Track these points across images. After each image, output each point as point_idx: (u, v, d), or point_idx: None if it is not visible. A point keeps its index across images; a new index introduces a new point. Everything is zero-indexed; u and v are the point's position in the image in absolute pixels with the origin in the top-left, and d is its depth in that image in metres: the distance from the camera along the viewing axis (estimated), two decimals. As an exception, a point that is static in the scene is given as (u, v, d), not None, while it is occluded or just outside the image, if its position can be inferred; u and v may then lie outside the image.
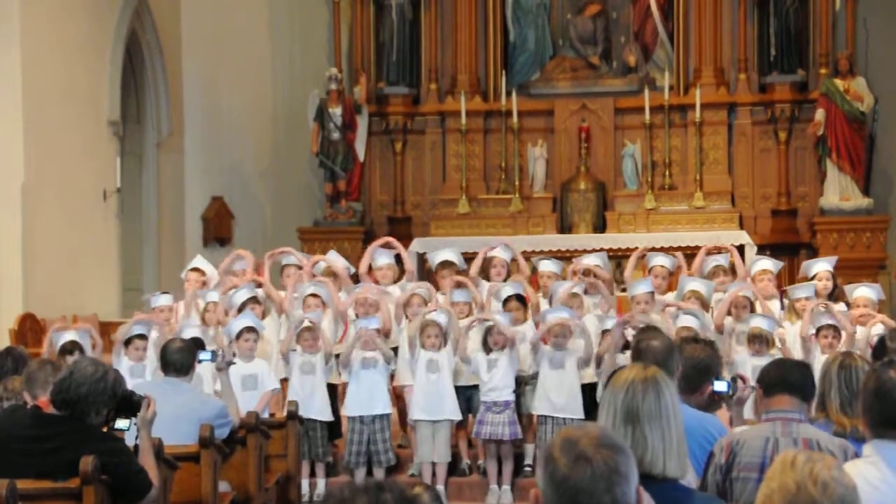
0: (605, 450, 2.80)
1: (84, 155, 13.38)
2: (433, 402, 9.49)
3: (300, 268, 10.66)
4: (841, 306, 9.66)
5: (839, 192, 14.84)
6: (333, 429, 9.90)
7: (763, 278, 10.32)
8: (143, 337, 9.17)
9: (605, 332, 9.26)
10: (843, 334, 8.99)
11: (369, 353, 9.46)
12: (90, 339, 8.97)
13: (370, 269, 10.81)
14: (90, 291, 13.31)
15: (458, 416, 9.60)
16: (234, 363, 8.63)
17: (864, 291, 9.86)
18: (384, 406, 9.56)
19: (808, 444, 4.66)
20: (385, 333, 9.68)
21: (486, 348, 9.44)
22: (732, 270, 10.76)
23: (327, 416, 9.61)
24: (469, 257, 11.01)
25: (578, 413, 9.23)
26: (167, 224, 15.39)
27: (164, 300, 10.02)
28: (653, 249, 11.57)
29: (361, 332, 9.42)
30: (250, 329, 9.13)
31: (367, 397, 9.48)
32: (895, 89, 15.11)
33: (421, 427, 9.55)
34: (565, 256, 12.83)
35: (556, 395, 9.32)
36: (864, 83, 14.72)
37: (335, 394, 9.95)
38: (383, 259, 10.68)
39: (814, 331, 9.06)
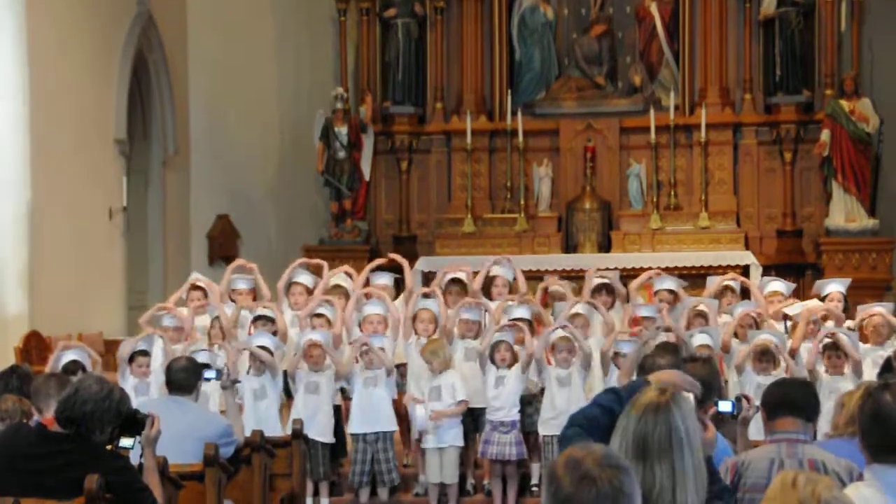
0: (610, 470, 2.80)
1: (90, 173, 13.39)
2: (438, 429, 9.48)
3: (307, 288, 10.60)
4: (848, 323, 9.68)
5: (844, 212, 14.80)
6: (338, 449, 9.87)
7: (773, 300, 10.29)
8: (145, 353, 9.18)
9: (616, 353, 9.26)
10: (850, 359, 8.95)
11: (370, 371, 9.44)
12: (89, 359, 8.95)
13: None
14: (96, 310, 13.31)
15: (459, 443, 9.55)
16: (238, 381, 8.65)
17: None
18: (388, 422, 9.53)
19: (813, 466, 4.65)
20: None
21: (493, 364, 9.44)
22: (744, 294, 10.69)
23: (328, 437, 9.53)
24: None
25: None
26: (173, 242, 15.39)
27: (169, 320, 9.99)
28: (664, 270, 11.41)
29: (358, 344, 9.42)
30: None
31: (370, 414, 9.45)
32: (901, 110, 15.12)
33: (428, 452, 9.55)
34: (571, 276, 12.81)
35: (566, 414, 9.26)
36: (870, 104, 14.71)
37: (340, 415, 9.92)
38: (381, 280, 10.64)
39: (820, 347, 9.04)
